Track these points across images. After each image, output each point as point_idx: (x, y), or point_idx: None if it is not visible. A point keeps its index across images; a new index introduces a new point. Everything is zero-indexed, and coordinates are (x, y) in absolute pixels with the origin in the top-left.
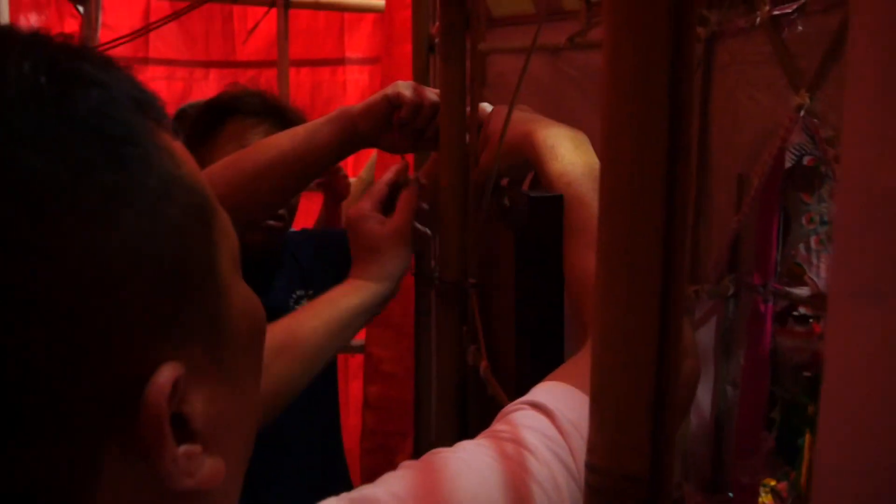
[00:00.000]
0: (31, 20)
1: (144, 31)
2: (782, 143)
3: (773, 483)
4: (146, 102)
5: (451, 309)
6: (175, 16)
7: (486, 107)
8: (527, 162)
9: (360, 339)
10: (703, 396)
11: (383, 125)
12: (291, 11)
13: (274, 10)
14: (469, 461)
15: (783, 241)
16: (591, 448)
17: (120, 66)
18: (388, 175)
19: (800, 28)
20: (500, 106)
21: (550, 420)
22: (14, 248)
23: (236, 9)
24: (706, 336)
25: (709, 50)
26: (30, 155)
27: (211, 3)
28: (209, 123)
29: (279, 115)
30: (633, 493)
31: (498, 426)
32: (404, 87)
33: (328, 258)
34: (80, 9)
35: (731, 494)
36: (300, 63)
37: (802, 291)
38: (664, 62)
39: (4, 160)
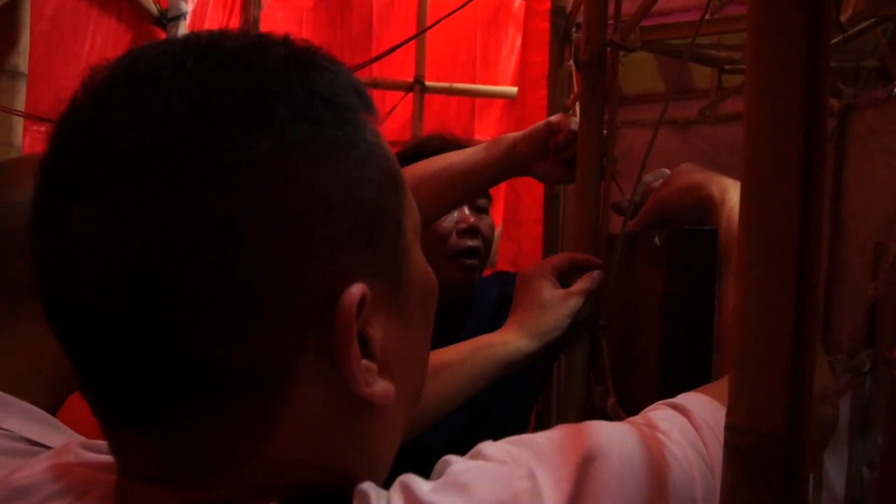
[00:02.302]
0: None
1: None
2: None
3: None
4: (361, 91)
5: (580, 347)
6: None
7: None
8: (697, 211)
9: None
10: (836, 477)
11: (540, 151)
12: (426, 96)
13: (410, 95)
14: (613, 427)
15: None
16: (731, 409)
17: (343, 63)
18: (580, 256)
19: None
20: (687, 165)
21: (687, 418)
22: (264, 170)
23: (376, 92)
24: (840, 413)
25: (843, 122)
26: (281, 108)
27: None
28: (402, 163)
29: (459, 149)
30: (772, 450)
31: (634, 418)
32: (566, 117)
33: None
34: None
35: None
36: None
37: None
38: (798, 138)
39: (264, 110)
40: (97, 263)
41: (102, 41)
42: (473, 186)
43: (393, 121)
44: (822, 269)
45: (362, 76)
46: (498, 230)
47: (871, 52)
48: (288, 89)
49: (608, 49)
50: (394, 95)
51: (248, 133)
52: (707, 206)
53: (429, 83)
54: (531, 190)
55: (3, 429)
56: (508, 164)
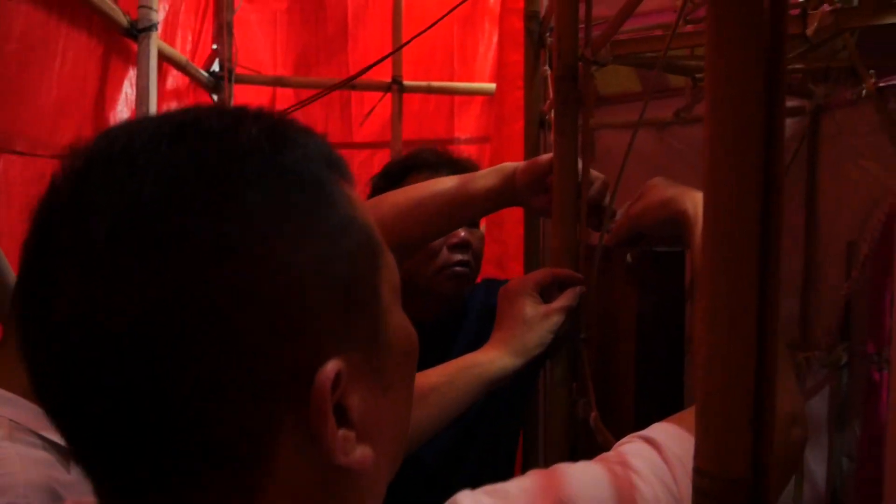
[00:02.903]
0: (172, 107)
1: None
2: (892, 210)
3: None
4: (334, 160)
5: (560, 362)
6: (301, 105)
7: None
8: (671, 226)
9: None
10: (817, 468)
11: (539, 184)
12: (405, 95)
13: (389, 95)
14: (584, 470)
15: None
16: (698, 453)
17: (316, 133)
18: (562, 272)
19: None
20: (660, 179)
21: (657, 451)
22: (238, 257)
23: (354, 94)
24: (819, 406)
25: (815, 122)
26: (252, 192)
27: (331, 91)
28: (393, 177)
29: (452, 165)
30: (738, 494)
31: (609, 454)
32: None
33: None
34: (215, 97)
35: None
36: (412, 143)
37: None
38: (758, 139)
39: (234, 196)
40: (79, 346)
41: (74, 56)
42: (469, 214)
43: (372, 122)
44: (783, 279)
45: (339, 77)
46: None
47: (840, 52)
48: (259, 173)
49: (580, 63)
50: (372, 96)
51: (219, 219)
52: (681, 221)
53: (407, 82)
54: None
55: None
56: (506, 194)
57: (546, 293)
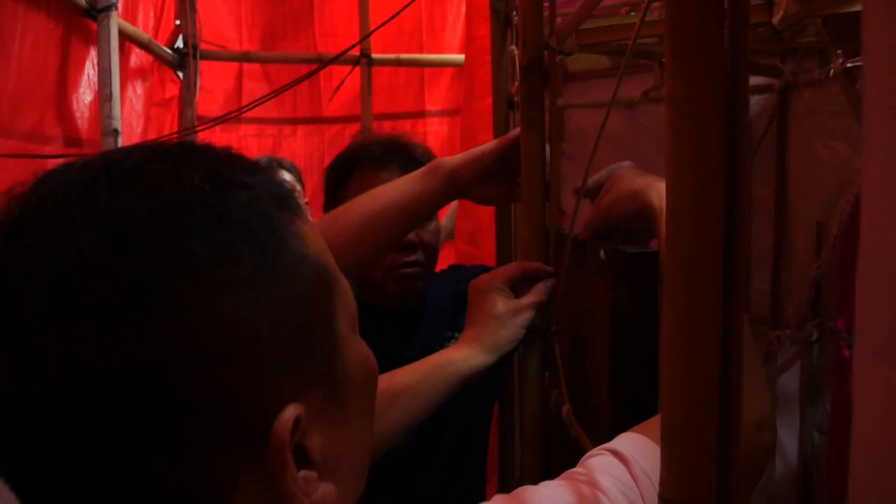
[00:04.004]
0: (136, 87)
1: (238, 112)
2: (860, 191)
3: None
4: (283, 197)
5: (534, 354)
6: (274, 94)
7: (622, 165)
8: (640, 217)
9: None
10: (789, 442)
11: (484, 176)
12: (374, 68)
13: (357, 69)
14: (550, 496)
15: None
16: (663, 481)
17: (264, 169)
18: (531, 265)
19: None
20: (628, 168)
21: (626, 467)
22: (183, 312)
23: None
24: (791, 382)
25: (783, 100)
26: (196, 245)
27: (299, 64)
28: (340, 175)
29: (403, 157)
30: None
31: (577, 469)
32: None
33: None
34: (180, 75)
35: None
36: (382, 117)
37: None
38: (719, 119)
39: (178, 249)
40: (28, 409)
41: (33, 40)
42: (415, 220)
43: (342, 96)
44: (750, 257)
45: (307, 51)
46: (453, 207)
47: (807, 29)
48: (203, 223)
49: (546, 52)
50: (341, 70)
51: (161, 274)
52: (647, 214)
53: (375, 55)
54: None
55: None
56: (448, 193)
57: (516, 287)
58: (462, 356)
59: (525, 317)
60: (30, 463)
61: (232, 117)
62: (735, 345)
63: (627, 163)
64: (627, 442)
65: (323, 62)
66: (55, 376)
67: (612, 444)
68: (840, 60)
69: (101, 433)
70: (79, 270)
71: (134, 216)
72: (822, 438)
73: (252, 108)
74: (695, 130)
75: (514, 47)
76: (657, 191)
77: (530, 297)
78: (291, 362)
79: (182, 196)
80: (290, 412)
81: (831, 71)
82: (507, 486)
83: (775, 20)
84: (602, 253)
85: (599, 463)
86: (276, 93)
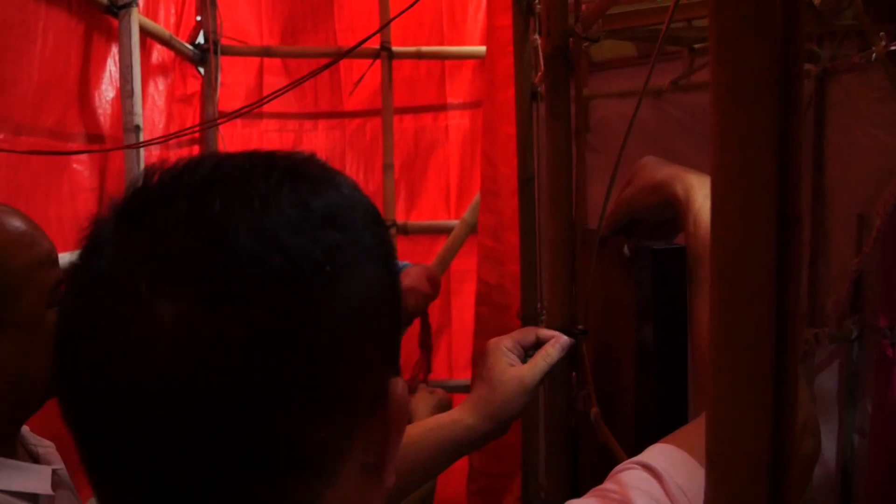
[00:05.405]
0: (158, 83)
1: (254, 106)
2: None
3: None
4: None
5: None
6: (291, 86)
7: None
8: (664, 210)
9: (466, 378)
10: (827, 445)
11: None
12: (395, 62)
13: (378, 62)
14: None
15: None
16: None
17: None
18: (546, 331)
19: None
20: (651, 157)
21: (660, 483)
22: (356, 276)
23: (342, 62)
24: (829, 381)
25: (821, 87)
26: (360, 223)
27: (319, 58)
28: None
29: None
30: None
31: (608, 485)
32: None
33: None
34: (201, 70)
35: None
36: (403, 111)
37: None
38: (772, 111)
39: (352, 223)
40: (195, 354)
41: (55, 37)
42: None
43: (362, 90)
44: (804, 248)
45: (327, 45)
46: (475, 200)
47: (846, 10)
48: (363, 212)
49: (570, 40)
50: (361, 64)
51: (344, 243)
52: (673, 206)
53: (396, 48)
54: (509, 160)
55: None
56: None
57: (529, 352)
58: (451, 419)
59: (525, 384)
60: (170, 408)
61: (246, 112)
62: (790, 352)
63: (650, 158)
64: (660, 455)
65: (341, 54)
66: (230, 323)
67: (644, 456)
68: (883, 43)
69: (264, 375)
70: (276, 240)
71: (320, 201)
72: (862, 441)
73: (270, 100)
74: (744, 114)
75: (537, 36)
76: (683, 181)
77: (533, 363)
78: (391, 339)
79: (343, 192)
80: (402, 383)
81: (873, 55)
82: (530, 489)
83: (817, 1)
84: (626, 249)
85: (631, 478)
86: (293, 84)
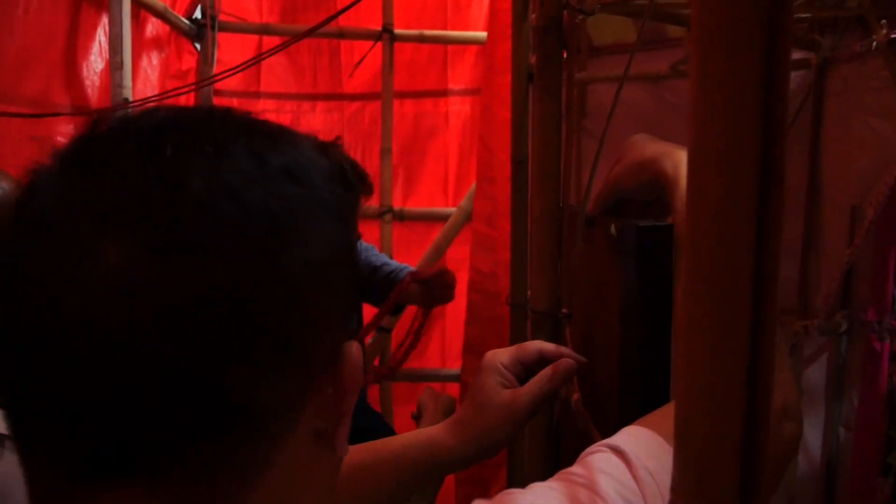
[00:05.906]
0: (152, 57)
1: (255, 61)
2: None
3: None
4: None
5: (544, 339)
6: (284, 46)
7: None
8: (652, 187)
9: (455, 368)
10: (813, 438)
11: None
12: (396, 45)
13: (379, 44)
14: (547, 497)
15: None
16: (676, 486)
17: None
18: (550, 347)
19: None
20: (641, 135)
21: (627, 466)
22: (316, 234)
23: (343, 43)
24: (817, 375)
25: (821, 76)
26: (321, 184)
27: (319, 39)
28: None
29: None
30: None
31: (575, 468)
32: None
33: None
34: (198, 46)
35: None
36: (404, 95)
37: None
38: (756, 83)
39: (312, 187)
40: (143, 302)
41: (38, 3)
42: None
43: (362, 72)
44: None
45: (328, 25)
46: (473, 188)
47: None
48: (323, 174)
49: (565, 12)
50: (362, 45)
51: (304, 198)
52: (661, 184)
53: (398, 31)
54: (506, 146)
55: None
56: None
57: (532, 370)
58: (428, 437)
59: (514, 410)
60: (117, 358)
61: (227, 76)
62: (767, 320)
63: (641, 135)
64: (631, 437)
65: (343, 35)
66: (185, 271)
67: (614, 439)
68: (884, 31)
69: (217, 327)
70: (230, 189)
71: (278, 155)
72: (847, 435)
73: (261, 60)
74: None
75: (535, 16)
76: (671, 158)
77: (529, 387)
78: (347, 301)
79: (303, 150)
80: (356, 346)
81: (874, 42)
82: (515, 477)
83: None
84: (613, 228)
85: (599, 462)
86: (285, 44)
